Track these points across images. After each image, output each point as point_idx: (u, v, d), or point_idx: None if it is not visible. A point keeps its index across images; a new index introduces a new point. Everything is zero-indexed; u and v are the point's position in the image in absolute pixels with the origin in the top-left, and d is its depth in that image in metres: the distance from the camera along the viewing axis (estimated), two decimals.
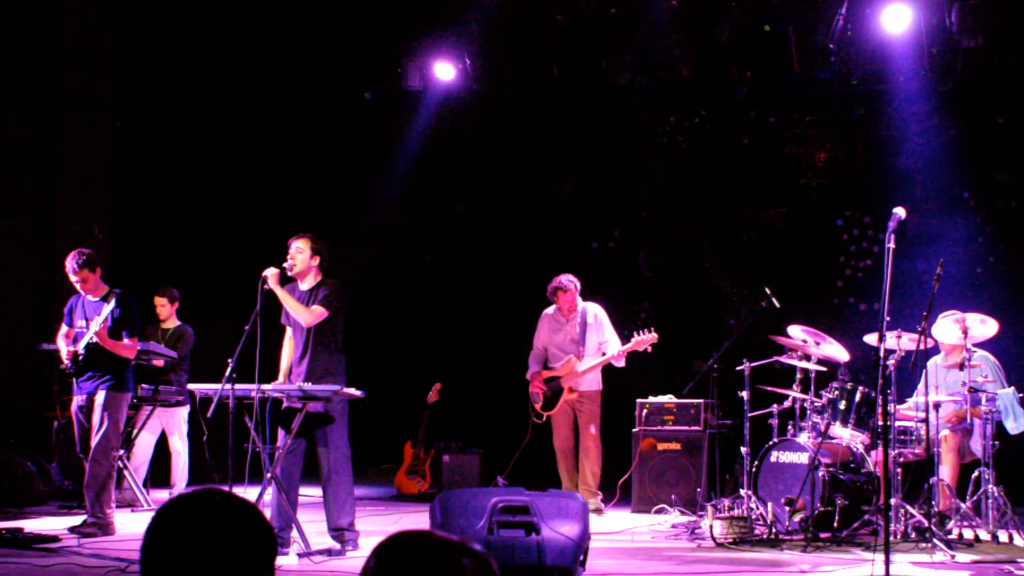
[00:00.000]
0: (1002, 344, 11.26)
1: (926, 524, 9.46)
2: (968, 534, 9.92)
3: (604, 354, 12.52)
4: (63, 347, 10.75)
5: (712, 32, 14.30)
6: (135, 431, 12.73)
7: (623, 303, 15.77)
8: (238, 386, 8.98)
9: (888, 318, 7.44)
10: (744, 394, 11.12)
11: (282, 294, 9.46)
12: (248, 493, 7.51)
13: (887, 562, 6.38)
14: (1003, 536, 9.84)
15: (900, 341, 10.18)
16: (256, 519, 2.88)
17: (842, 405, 10.64)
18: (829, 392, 10.75)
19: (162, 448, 13.11)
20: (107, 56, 15.18)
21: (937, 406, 10.45)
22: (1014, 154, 15.13)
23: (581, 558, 7.90)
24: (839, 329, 11.88)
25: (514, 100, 16.32)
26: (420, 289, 17.90)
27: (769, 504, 10.46)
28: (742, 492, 10.82)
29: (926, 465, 10.26)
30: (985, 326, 10.62)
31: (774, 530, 10.17)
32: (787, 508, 10.34)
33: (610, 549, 9.83)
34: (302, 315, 9.49)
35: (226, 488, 3.60)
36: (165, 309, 13.23)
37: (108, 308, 10.44)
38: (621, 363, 12.49)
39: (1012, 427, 10.48)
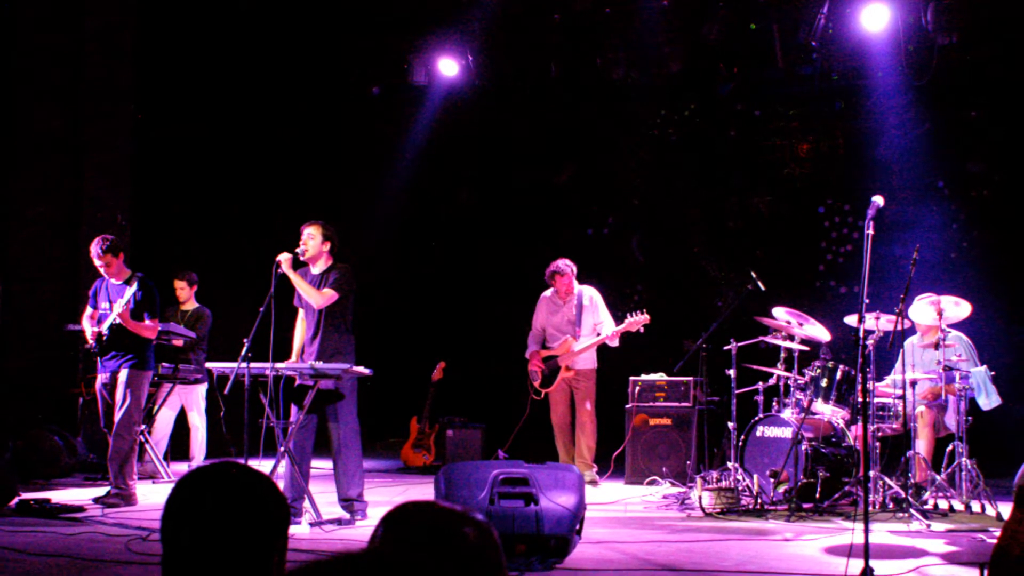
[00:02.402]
0: (975, 325, 11.24)
1: (903, 495, 9.47)
2: (943, 504, 9.94)
3: (599, 334, 12.51)
4: (88, 328, 10.76)
5: (701, 30, 14.30)
6: (156, 407, 12.75)
7: (617, 286, 15.76)
8: (253, 365, 8.97)
9: (867, 300, 7.40)
10: (731, 372, 11.12)
11: (295, 278, 9.45)
12: (263, 466, 7.51)
13: (866, 531, 6.35)
14: (976, 506, 9.83)
15: (878, 322, 10.18)
16: (270, 490, 2.86)
17: (824, 383, 10.63)
18: (811, 370, 10.75)
19: (181, 423, 13.12)
20: (129, 52, 15.15)
21: (913, 383, 10.46)
22: (986, 145, 15.15)
23: (577, 527, 7.89)
24: (821, 311, 11.87)
25: (514, 94, 16.31)
26: (425, 273, 17.92)
27: (755, 476, 10.46)
28: (729, 465, 10.82)
29: (903, 439, 10.28)
30: (959, 308, 10.61)
31: (759, 501, 10.17)
32: (772, 480, 10.33)
33: (605, 518, 9.83)
34: (314, 298, 9.48)
35: (242, 461, 3.59)
36: (184, 292, 13.24)
37: (130, 291, 10.44)
38: (615, 343, 12.47)
39: (984, 403, 10.49)
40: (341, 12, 15.48)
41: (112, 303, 10.57)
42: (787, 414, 10.74)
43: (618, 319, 12.54)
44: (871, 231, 7.37)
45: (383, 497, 10.85)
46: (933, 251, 14.04)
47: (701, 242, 16.64)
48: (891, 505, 9.71)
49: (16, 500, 9.74)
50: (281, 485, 8.96)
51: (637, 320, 12.21)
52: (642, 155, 17.02)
